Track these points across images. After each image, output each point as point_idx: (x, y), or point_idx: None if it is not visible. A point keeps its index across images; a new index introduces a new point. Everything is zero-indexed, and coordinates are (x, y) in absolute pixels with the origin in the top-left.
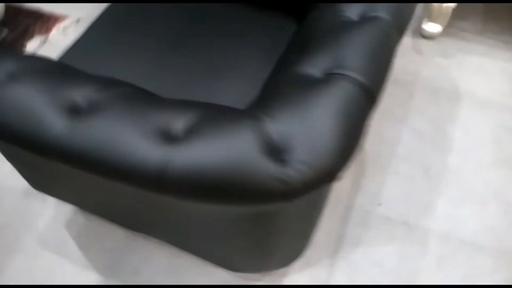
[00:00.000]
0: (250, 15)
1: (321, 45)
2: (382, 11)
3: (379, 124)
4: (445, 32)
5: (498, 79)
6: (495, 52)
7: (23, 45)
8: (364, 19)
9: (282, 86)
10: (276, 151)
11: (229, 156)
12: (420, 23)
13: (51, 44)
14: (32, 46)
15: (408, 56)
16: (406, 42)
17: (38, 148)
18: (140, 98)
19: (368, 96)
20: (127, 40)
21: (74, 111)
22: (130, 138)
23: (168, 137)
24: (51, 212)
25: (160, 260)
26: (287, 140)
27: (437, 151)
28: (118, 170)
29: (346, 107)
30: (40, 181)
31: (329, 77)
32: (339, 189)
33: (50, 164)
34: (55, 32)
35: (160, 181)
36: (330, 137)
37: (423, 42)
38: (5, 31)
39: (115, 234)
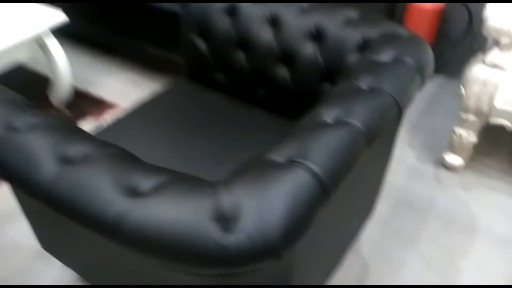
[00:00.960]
0: (262, 117)
1: (291, 138)
2: (356, 119)
3: (387, 243)
4: (469, 166)
5: None
6: None
7: (76, 123)
8: (338, 123)
9: (247, 166)
10: (224, 219)
11: (178, 216)
12: (443, 153)
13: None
14: (85, 126)
15: (427, 183)
16: (427, 169)
17: (30, 188)
18: (124, 159)
19: (321, 187)
20: (154, 128)
21: (67, 161)
22: (100, 187)
23: (133, 193)
24: (54, 276)
25: None
26: (236, 210)
27: (443, 283)
28: (84, 215)
29: (298, 192)
30: (49, 239)
31: (289, 164)
32: None
33: (55, 217)
34: (107, 117)
35: (115, 231)
36: (276, 216)
37: (445, 172)
38: (67, 113)
39: None
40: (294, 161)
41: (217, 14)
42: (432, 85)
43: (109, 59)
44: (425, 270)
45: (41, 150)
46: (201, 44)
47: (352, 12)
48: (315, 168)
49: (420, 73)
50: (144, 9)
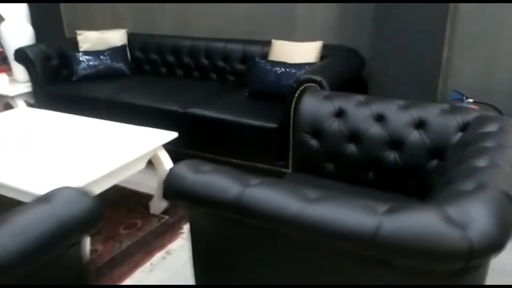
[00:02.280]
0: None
1: (463, 179)
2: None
3: None
4: None
5: None
6: None
7: (180, 227)
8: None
9: (450, 191)
10: (456, 224)
11: (422, 225)
12: None
13: None
14: (187, 227)
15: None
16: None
17: (283, 222)
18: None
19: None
20: None
21: (304, 199)
22: (349, 212)
23: (376, 212)
24: None
25: None
26: (464, 218)
27: None
28: (344, 234)
29: (499, 208)
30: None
31: (481, 189)
32: None
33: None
34: None
35: (373, 241)
36: (493, 222)
37: None
38: (166, 218)
39: None
40: (485, 187)
41: (327, 117)
42: None
43: None
44: None
45: (285, 196)
46: (313, 142)
47: (443, 105)
48: (506, 189)
49: None
50: (236, 127)
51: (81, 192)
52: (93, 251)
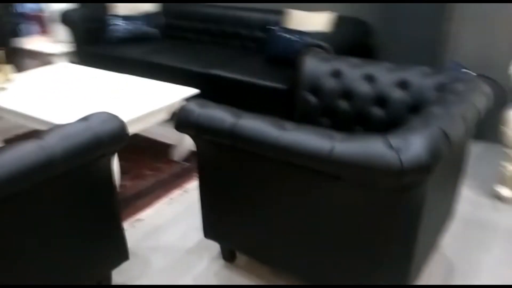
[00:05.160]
0: None
1: (417, 120)
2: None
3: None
4: None
5: None
6: None
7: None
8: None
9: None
10: (392, 148)
11: (365, 147)
12: (494, 187)
13: None
14: None
15: (486, 210)
16: (484, 202)
17: (266, 145)
18: (314, 128)
19: (446, 138)
20: None
21: (282, 128)
22: (313, 137)
23: (333, 138)
24: (204, 265)
25: None
26: (401, 145)
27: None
28: (306, 153)
29: (433, 140)
30: (216, 223)
31: (424, 126)
32: None
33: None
34: None
35: (328, 159)
36: (424, 149)
37: (499, 204)
38: (186, 164)
39: None
40: (429, 125)
41: (325, 76)
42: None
43: None
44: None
45: (266, 125)
46: (311, 98)
47: (425, 68)
48: (444, 128)
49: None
50: (249, 87)
51: (113, 115)
52: (122, 186)
